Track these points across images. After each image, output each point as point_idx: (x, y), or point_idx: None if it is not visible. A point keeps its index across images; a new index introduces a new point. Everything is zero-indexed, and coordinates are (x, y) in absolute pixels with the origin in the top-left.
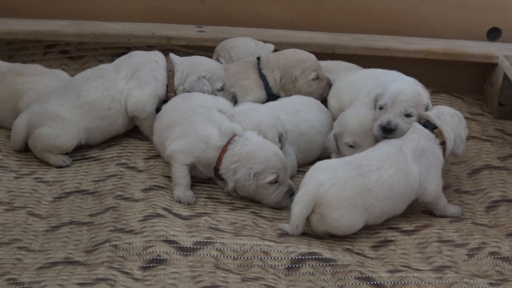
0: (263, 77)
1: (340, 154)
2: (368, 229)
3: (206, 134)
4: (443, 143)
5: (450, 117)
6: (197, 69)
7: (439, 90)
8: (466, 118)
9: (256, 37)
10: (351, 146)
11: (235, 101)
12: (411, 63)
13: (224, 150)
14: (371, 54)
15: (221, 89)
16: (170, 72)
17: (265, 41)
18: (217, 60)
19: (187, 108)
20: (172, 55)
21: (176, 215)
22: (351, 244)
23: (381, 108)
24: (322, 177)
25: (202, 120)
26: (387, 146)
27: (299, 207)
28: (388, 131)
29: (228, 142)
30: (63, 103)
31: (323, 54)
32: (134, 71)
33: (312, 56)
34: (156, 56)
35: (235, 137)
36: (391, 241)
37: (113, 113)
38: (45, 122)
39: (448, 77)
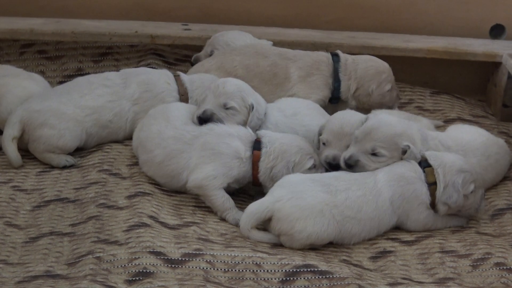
0: (336, 79)
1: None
2: (366, 239)
3: (234, 149)
4: (432, 184)
5: (449, 162)
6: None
7: (440, 91)
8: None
9: None
10: (323, 144)
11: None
12: (410, 63)
13: (257, 155)
14: (367, 52)
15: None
16: (183, 96)
17: None
18: (211, 53)
19: (179, 133)
20: (182, 76)
21: (162, 224)
22: (349, 255)
23: (324, 143)
24: (281, 192)
25: (217, 138)
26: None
27: (244, 216)
28: (333, 167)
29: (257, 148)
30: (66, 101)
31: None
32: (143, 91)
33: (387, 66)
34: (167, 77)
35: (262, 140)
36: (390, 251)
37: (114, 126)
38: (46, 120)
39: (449, 77)
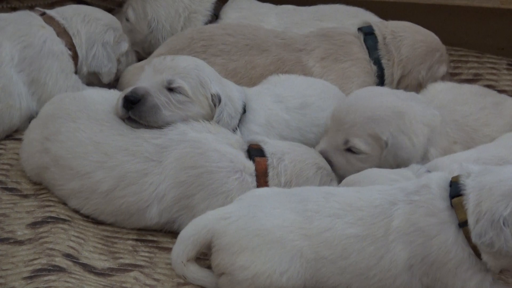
0: (378, 65)
1: None
2: None
3: (228, 159)
4: (465, 223)
5: (491, 181)
6: (96, 31)
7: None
8: None
9: None
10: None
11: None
12: (475, 17)
13: (261, 165)
14: (413, 7)
15: (126, 53)
16: (67, 41)
17: None
18: (125, 13)
19: (132, 142)
20: (49, 12)
21: (86, 267)
22: None
23: None
24: (233, 208)
25: (198, 146)
26: (375, 192)
27: (176, 244)
28: None
29: (260, 157)
30: None
31: None
32: (21, 48)
33: (439, 40)
34: (33, 18)
35: (263, 147)
36: None
37: (3, 107)
38: None
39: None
